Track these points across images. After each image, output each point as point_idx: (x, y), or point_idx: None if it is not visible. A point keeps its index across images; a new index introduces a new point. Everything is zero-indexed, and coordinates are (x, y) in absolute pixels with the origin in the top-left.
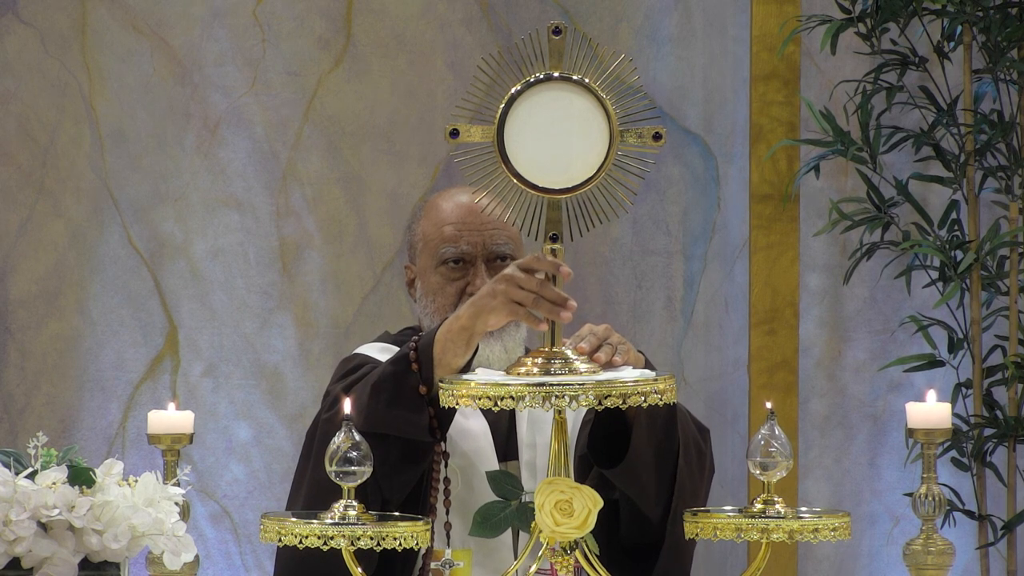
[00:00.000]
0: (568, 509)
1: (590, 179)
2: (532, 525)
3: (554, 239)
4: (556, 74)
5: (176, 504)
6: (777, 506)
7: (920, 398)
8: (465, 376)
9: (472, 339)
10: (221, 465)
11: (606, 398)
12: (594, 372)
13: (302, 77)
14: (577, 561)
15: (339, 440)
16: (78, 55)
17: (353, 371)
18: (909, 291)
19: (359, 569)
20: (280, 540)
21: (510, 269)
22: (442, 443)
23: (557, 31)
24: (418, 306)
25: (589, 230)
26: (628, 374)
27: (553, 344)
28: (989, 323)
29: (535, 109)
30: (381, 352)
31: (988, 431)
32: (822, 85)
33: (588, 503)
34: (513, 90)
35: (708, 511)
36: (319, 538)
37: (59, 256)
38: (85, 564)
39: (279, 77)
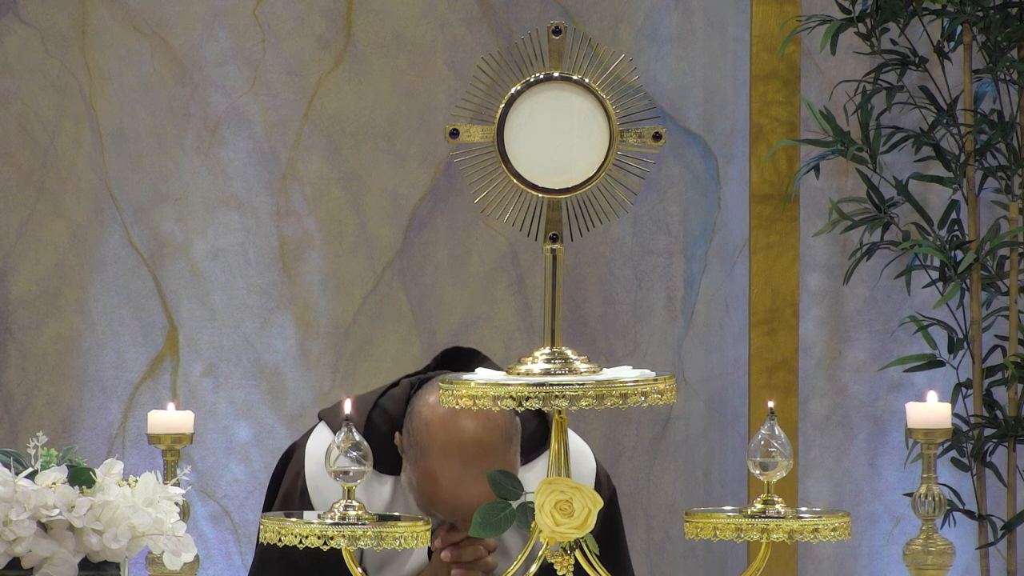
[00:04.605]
0: (568, 509)
1: (590, 179)
2: (532, 525)
3: (554, 239)
4: (556, 74)
5: (176, 504)
6: (777, 506)
7: (920, 398)
8: (465, 376)
9: None
10: (221, 465)
11: (606, 398)
12: (594, 372)
13: (302, 77)
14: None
15: (339, 440)
16: (78, 55)
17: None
18: (909, 291)
19: (359, 569)
20: (280, 540)
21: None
22: None
23: (557, 31)
24: (404, 475)
25: (589, 230)
26: (628, 373)
27: (553, 344)
28: (989, 323)
29: (535, 109)
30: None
31: (988, 431)
32: (822, 85)
33: (588, 503)
34: (513, 90)
35: (708, 511)
36: (319, 538)
37: (59, 256)
38: (85, 564)
39: (279, 77)
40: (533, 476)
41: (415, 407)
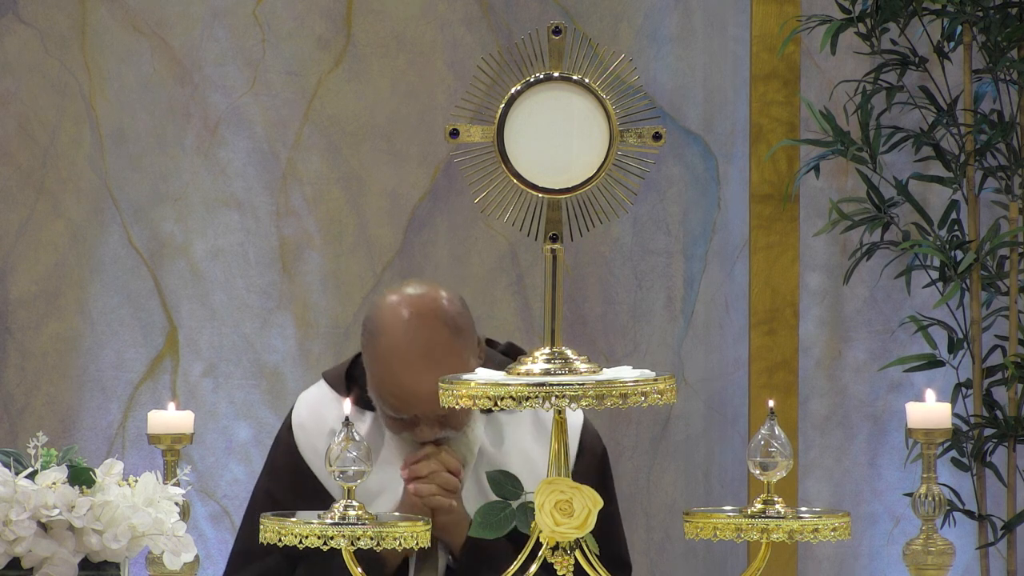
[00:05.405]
0: (568, 509)
1: (590, 179)
2: (532, 525)
3: (554, 239)
4: (556, 74)
5: (176, 504)
6: (777, 506)
7: (920, 398)
8: (465, 376)
9: None
10: (221, 465)
11: (606, 398)
12: (594, 372)
13: (302, 77)
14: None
15: (339, 440)
16: (78, 55)
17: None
18: (909, 291)
19: (359, 569)
20: (280, 540)
21: (413, 488)
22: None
23: (557, 31)
24: (368, 384)
25: (589, 230)
26: (628, 373)
27: (553, 344)
28: (989, 323)
29: (535, 109)
30: (324, 413)
31: (988, 431)
32: (822, 85)
33: (588, 503)
34: (513, 90)
35: (708, 511)
36: (319, 538)
37: (59, 256)
38: (85, 564)
39: (279, 77)
40: (516, 421)
41: (372, 301)
